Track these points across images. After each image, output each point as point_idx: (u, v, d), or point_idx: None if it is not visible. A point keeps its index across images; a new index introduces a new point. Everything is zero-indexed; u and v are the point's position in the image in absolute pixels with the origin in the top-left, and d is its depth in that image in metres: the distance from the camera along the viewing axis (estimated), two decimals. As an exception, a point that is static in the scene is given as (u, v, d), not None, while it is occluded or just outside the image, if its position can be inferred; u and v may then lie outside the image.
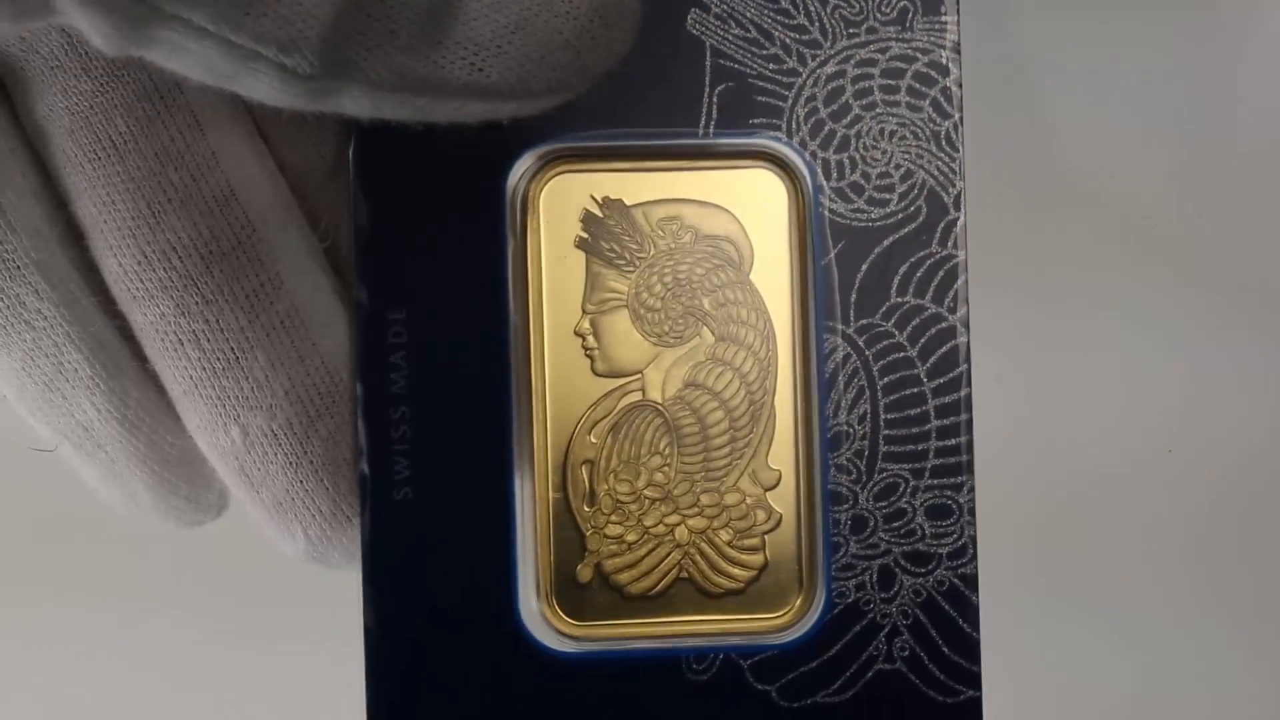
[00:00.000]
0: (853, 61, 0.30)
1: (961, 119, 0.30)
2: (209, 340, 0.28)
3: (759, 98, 0.29)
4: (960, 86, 0.30)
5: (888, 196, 0.30)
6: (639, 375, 0.30)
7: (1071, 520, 0.48)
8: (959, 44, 0.30)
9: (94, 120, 0.28)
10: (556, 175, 0.29)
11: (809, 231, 0.30)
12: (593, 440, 0.30)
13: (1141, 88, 0.47)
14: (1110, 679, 0.48)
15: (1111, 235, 0.47)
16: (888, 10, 0.30)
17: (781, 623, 0.30)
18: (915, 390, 0.30)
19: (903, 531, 0.30)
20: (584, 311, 0.30)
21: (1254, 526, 0.48)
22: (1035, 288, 0.47)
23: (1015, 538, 0.47)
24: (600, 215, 0.30)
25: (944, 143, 0.30)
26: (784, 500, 0.30)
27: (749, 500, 0.30)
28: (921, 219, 0.30)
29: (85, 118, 0.28)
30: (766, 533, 0.30)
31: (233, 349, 0.28)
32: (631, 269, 0.30)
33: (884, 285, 0.30)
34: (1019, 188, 0.46)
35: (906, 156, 0.30)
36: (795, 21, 0.29)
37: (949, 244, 0.30)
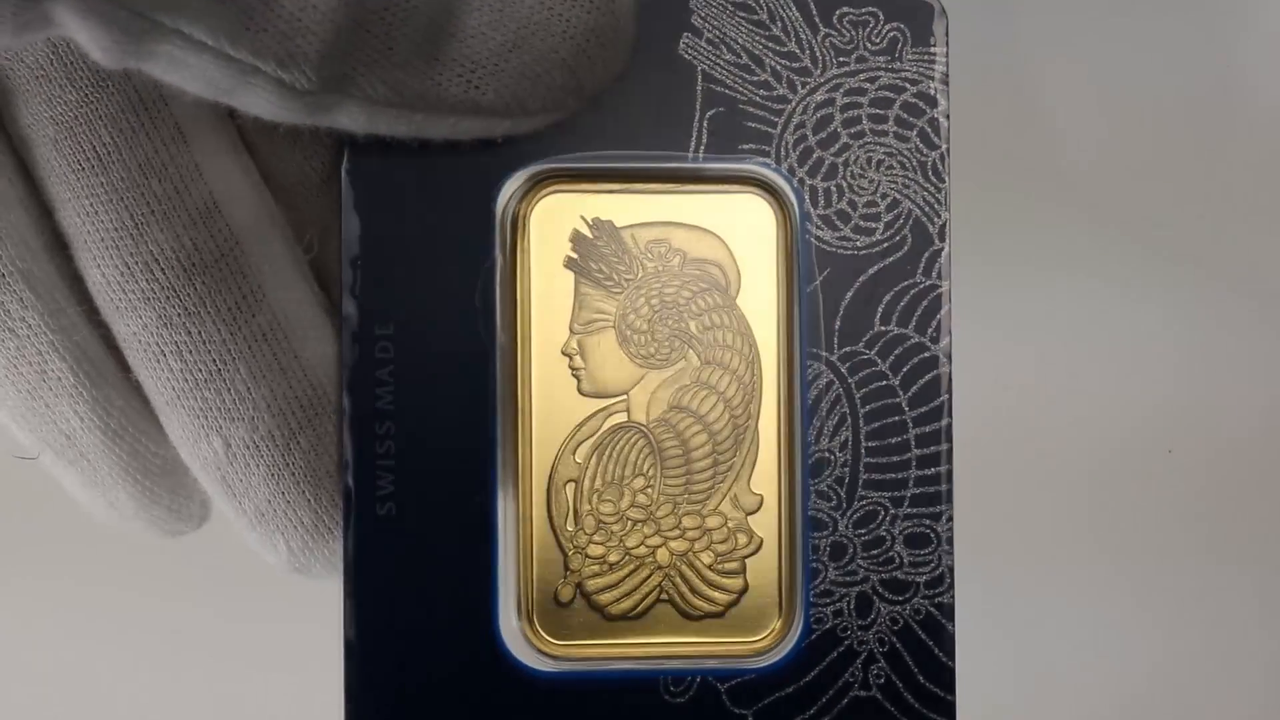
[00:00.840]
0: (842, 90, 0.30)
1: (948, 150, 0.30)
2: (190, 352, 0.28)
3: (749, 123, 0.30)
4: (948, 118, 0.30)
5: (874, 225, 0.30)
6: (624, 396, 0.30)
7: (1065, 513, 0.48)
8: (948, 75, 0.30)
9: (78, 131, 0.27)
10: (547, 195, 0.29)
11: (795, 258, 0.30)
12: (577, 460, 0.30)
13: (1140, 76, 0.47)
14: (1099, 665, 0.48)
15: (1111, 227, 0.47)
16: (878, 40, 0.30)
17: (760, 647, 0.30)
18: (896, 419, 0.30)
19: (881, 559, 0.30)
20: (571, 331, 0.30)
21: (1252, 522, 0.48)
22: (1034, 280, 0.47)
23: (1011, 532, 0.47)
24: (590, 236, 0.30)
25: (930, 173, 0.30)
26: (765, 525, 0.30)
27: (730, 524, 0.30)
28: (906, 248, 0.30)
29: (70, 128, 0.27)
30: (747, 557, 0.30)
31: (214, 361, 0.28)
32: (619, 290, 0.30)
33: (868, 313, 0.30)
34: (1015, 181, 0.47)
35: (893, 186, 0.30)
36: (786, 48, 0.30)
37: (933, 274, 0.30)
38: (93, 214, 0.28)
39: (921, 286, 0.30)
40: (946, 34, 0.30)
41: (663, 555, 0.30)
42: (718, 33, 0.30)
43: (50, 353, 0.28)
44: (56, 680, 0.47)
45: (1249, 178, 0.47)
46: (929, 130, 0.30)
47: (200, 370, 0.28)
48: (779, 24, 0.30)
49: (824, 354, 0.30)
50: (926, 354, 0.30)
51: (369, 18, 0.24)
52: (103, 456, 0.29)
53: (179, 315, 0.28)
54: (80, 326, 0.29)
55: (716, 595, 0.30)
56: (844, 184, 0.30)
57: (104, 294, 0.28)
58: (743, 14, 0.30)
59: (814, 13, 0.30)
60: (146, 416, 0.29)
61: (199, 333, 0.28)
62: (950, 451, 0.30)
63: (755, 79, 0.30)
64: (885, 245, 0.30)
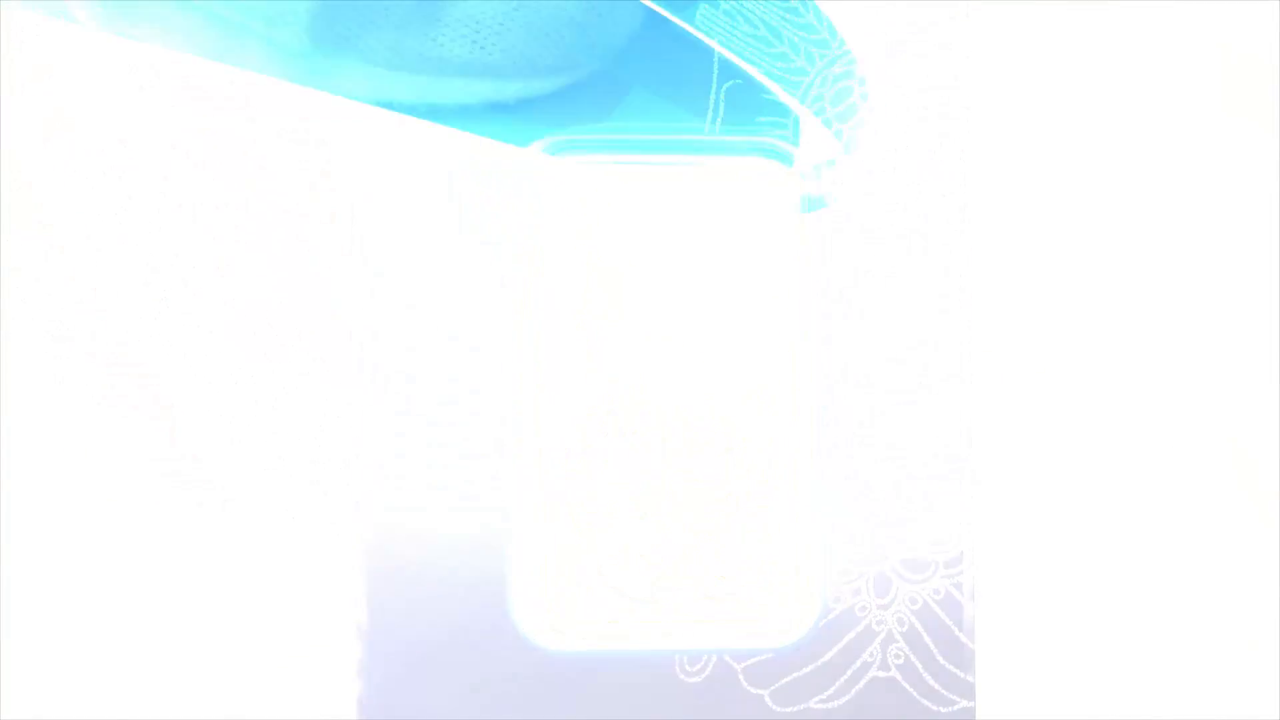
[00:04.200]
0: (861, 63, 0.29)
1: (971, 126, 0.30)
2: None
3: (766, 95, 0.29)
4: (972, 95, 0.30)
5: (893, 201, 0.29)
6: (643, 374, 0.29)
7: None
8: (971, 52, 0.30)
9: None
10: (563, 167, 0.29)
11: (813, 231, 0.29)
12: (596, 439, 0.29)
13: (1150, 76, 0.47)
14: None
15: (1133, 218, 0.47)
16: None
17: (777, 627, 0.29)
18: (918, 394, 0.30)
19: (900, 538, 0.29)
20: (590, 307, 0.29)
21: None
22: (1059, 257, 0.47)
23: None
24: (606, 209, 0.29)
25: (952, 150, 0.30)
26: (784, 502, 0.30)
27: (749, 501, 0.30)
28: (926, 225, 0.30)
29: None
30: (765, 535, 0.30)
31: None
32: (639, 264, 0.29)
33: (888, 287, 0.29)
34: (1040, 163, 0.46)
35: (913, 161, 0.30)
36: (804, 20, 0.29)
37: (955, 250, 0.30)
38: None
39: (943, 263, 0.30)
40: (969, 10, 0.30)
41: (681, 533, 0.29)
42: (735, 4, 0.29)
43: None
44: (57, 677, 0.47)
45: (1264, 173, 0.47)
46: (951, 106, 0.30)
47: None
48: (797, -5, 0.29)
49: (843, 329, 0.29)
50: (949, 330, 0.30)
51: None
52: None
53: None
54: None
55: (734, 574, 0.30)
56: (862, 158, 0.29)
57: None
58: (760, -16, 0.29)
59: (832, -17, 0.29)
60: None
61: None
62: (973, 429, 0.30)
63: (773, 51, 0.29)
64: (905, 221, 0.30)
